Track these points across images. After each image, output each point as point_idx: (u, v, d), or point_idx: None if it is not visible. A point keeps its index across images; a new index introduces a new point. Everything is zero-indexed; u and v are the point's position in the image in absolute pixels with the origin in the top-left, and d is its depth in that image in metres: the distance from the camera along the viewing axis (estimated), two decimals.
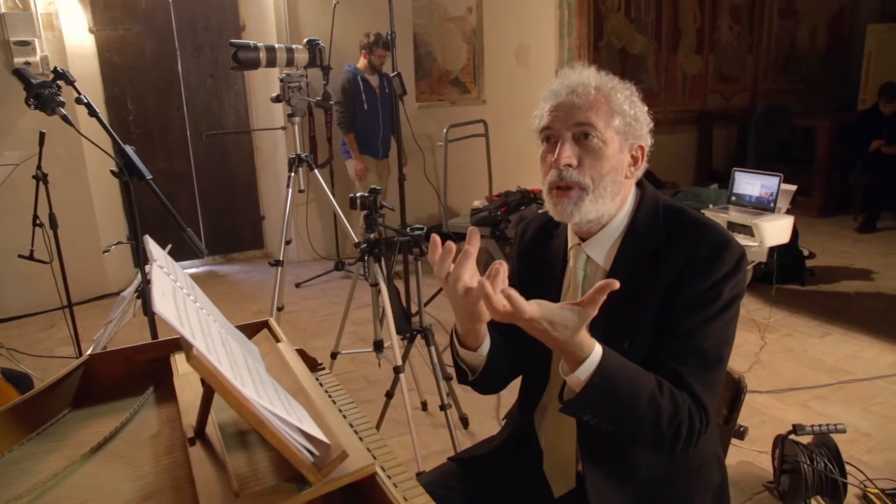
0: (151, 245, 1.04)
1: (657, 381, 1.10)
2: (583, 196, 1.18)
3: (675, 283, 1.16)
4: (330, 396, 1.18)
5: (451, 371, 2.73)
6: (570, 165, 1.17)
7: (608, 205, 1.20)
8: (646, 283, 1.19)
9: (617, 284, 0.98)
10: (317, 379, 1.22)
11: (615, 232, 1.25)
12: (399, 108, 3.11)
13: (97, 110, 1.87)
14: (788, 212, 3.90)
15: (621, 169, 1.20)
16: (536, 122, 1.24)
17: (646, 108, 1.24)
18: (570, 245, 1.32)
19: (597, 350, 1.05)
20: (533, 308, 0.98)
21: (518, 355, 1.36)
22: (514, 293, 0.97)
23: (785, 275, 4.36)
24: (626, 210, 1.26)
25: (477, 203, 4.78)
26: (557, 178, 1.19)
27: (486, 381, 1.31)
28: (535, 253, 1.41)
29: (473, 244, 1.12)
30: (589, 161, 1.17)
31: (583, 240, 1.28)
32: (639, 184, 1.29)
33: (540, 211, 1.44)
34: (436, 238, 1.08)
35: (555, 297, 1.32)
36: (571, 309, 1.00)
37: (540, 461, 1.37)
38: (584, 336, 1.03)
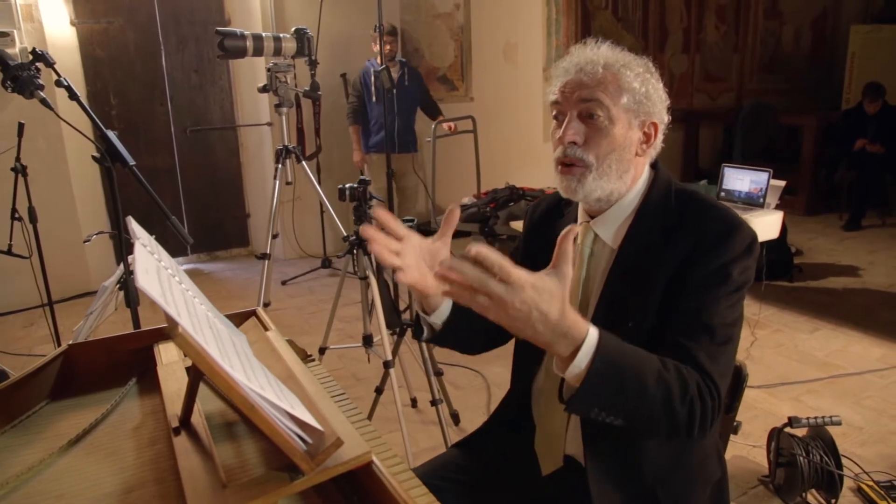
0: (134, 225, 0.99)
1: (660, 359, 1.05)
2: (586, 173, 1.17)
3: (684, 264, 1.14)
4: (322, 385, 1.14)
5: (442, 367, 2.70)
6: (574, 143, 1.17)
7: (615, 183, 1.18)
8: (654, 263, 1.16)
9: (577, 230, 0.94)
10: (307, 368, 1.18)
11: (625, 210, 1.23)
12: (387, 101, 3.07)
13: (78, 93, 1.81)
14: (777, 208, 3.90)
15: (630, 147, 1.18)
16: (548, 98, 1.24)
17: (661, 86, 1.22)
18: (579, 222, 1.30)
19: (592, 331, 0.97)
20: (521, 274, 0.90)
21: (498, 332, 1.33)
22: (500, 257, 0.89)
23: (773, 271, 4.37)
24: (638, 189, 1.24)
25: (466, 200, 4.75)
26: (562, 154, 1.19)
27: (443, 344, 1.31)
28: (544, 230, 1.39)
29: (449, 223, 1.15)
30: (595, 139, 1.16)
31: (592, 217, 1.26)
32: (654, 165, 1.27)
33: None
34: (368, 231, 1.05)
35: None
36: (548, 273, 0.92)
37: (532, 439, 1.35)
38: (575, 315, 0.95)
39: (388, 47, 4.68)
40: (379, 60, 4.73)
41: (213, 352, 0.72)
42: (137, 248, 0.83)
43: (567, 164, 1.19)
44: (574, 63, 1.19)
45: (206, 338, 0.75)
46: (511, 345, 1.41)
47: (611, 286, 1.21)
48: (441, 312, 1.22)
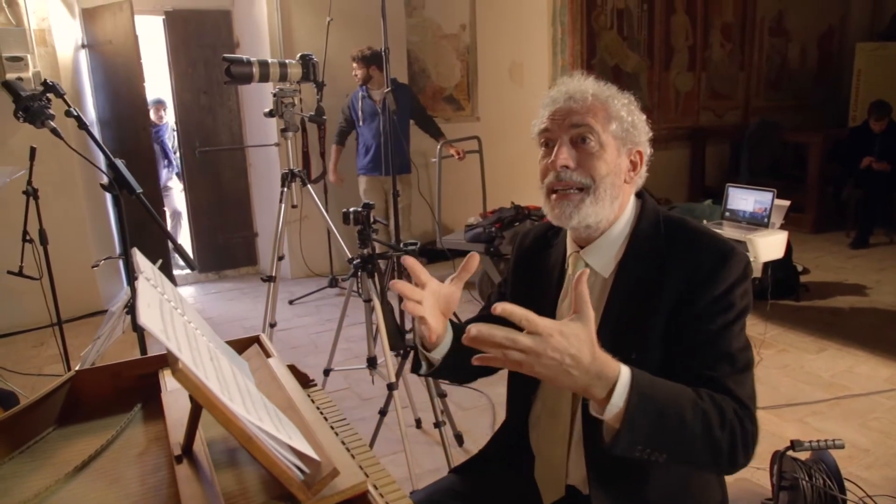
0: (139, 257, 1.02)
1: (693, 389, 1.05)
2: (583, 198, 1.18)
3: (685, 295, 1.14)
4: (322, 413, 1.16)
5: (446, 388, 2.71)
6: (566, 167, 1.18)
7: (607, 209, 1.20)
8: (650, 293, 1.17)
9: (586, 273, 0.96)
10: (308, 396, 1.20)
11: (616, 241, 1.24)
12: (391, 123, 3.11)
13: (87, 123, 1.85)
14: (782, 227, 3.90)
15: (620, 173, 1.20)
16: (535, 128, 1.25)
17: (644, 117, 1.25)
18: (568, 252, 1.31)
19: (623, 368, 0.97)
20: (547, 322, 0.90)
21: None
22: (525, 311, 0.90)
23: (779, 290, 4.35)
24: (627, 219, 1.25)
25: (471, 219, 4.77)
26: (555, 179, 1.19)
27: (439, 376, 1.35)
28: (532, 262, 1.40)
29: (468, 269, 1.19)
30: (588, 162, 1.18)
31: (581, 247, 1.26)
32: (639, 195, 1.29)
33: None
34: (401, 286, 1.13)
35: (550, 306, 1.31)
36: (573, 319, 0.93)
37: (532, 468, 1.35)
38: (605, 355, 0.96)
39: (358, 73, 4.69)
40: (361, 86, 4.76)
41: (213, 385, 0.75)
42: (141, 282, 0.86)
43: (562, 191, 1.19)
44: (563, 92, 1.21)
45: (206, 371, 0.78)
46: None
47: (608, 317, 1.21)
48: (441, 349, 1.25)
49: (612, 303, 1.21)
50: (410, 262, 1.15)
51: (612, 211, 1.21)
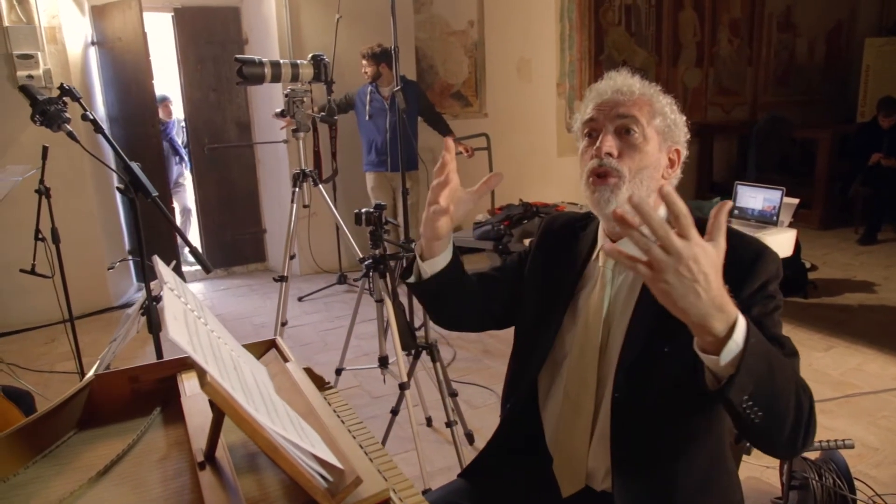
0: (160, 266, 1.03)
1: None
2: (619, 184, 1.20)
3: None
4: (339, 417, 1.17)
5: (457, 387, 2.73)
6: (610, 154, 1.20)
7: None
8: None
9: (729, 204, 0.92)
10: (325, 398, 1.21)
11: (649, 237, 1.25)
12: (401, 121, 3.12)
13: (102, 127, 1.86)
14: (791, 225, 3.90)
15: (659, 168, 1.23)
16: (579, 120, 1.28)
17: (684, 118, 1.28)
18: (599, 244, 1.33)
19: (739, 312, 0.92)
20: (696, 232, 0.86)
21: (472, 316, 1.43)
22: (684, 206, 0.87)
23: (787, 288, 4.35)
24: (661, 215, 1.26)
25: (479, 217, 4.77)
26: (597, 164, 1.22)
27: (421, 296, 1.37)
28: (557, 246, 1.41)
29: (489, 184, 1.24)
30: (629, 153, 1.21)
31: (613, 241, 1.28)
32: None
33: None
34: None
35: (565, 294, 1.34)
36: (707, 243, 0.89)
37: (547, 462, 1.36)
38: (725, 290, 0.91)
39: (367, 70, 4.66)
40: (370, 83, 4.71)
41: (240, 397, 0.76)
42: (165, 293, 0.87)
43: (600, 175, 1.21)
44: (610, 85, 1.25)
45: (231, 382, 0.79)
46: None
47: (641, 310, 1.22)
48: (436, 263, 1.28)
49: (646, 296, 1.22)
50: (451, 144, 1.20)
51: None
